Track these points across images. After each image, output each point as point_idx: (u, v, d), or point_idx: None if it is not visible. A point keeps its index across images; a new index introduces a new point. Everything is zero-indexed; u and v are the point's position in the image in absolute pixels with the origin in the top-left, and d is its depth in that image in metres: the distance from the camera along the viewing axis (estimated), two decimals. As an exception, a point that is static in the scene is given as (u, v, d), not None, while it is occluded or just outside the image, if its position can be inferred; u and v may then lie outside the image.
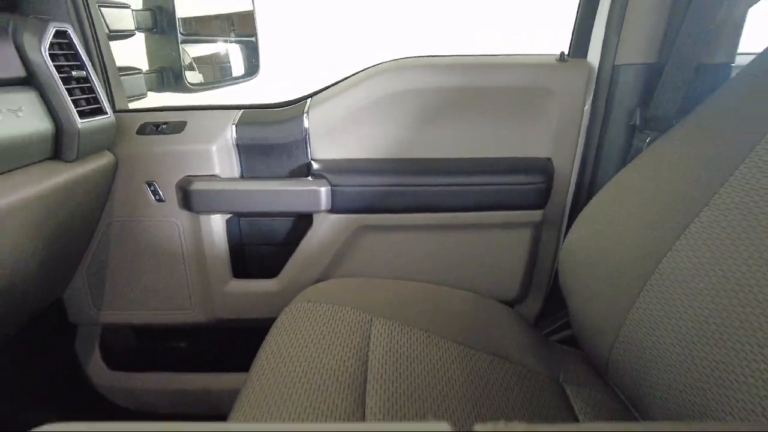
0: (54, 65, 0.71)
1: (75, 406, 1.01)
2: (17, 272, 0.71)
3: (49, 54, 0.71)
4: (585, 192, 0.90)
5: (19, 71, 0.69)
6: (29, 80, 0.70)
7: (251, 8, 1.24)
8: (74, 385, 1.02)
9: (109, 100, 0.86)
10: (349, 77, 0.92)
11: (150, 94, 1.08)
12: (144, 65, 1.13)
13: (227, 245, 0.93)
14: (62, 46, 0.75)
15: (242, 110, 0.92)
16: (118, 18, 0.98)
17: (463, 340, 0.72)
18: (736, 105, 0.57)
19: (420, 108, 0.86)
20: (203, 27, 1.24)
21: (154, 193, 0.88)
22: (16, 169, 0.68)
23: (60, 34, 0.74)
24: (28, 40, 0.69)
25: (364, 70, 0.90)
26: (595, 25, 0.85)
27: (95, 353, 1.01)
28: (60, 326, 0.99)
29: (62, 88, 0.72)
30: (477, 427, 0.19)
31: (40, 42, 0.70)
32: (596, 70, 0.84)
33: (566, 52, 0.89)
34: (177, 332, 1.05)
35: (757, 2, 0.78)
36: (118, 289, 0.95)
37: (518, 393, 0.65)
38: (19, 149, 0.67)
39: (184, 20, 1.12)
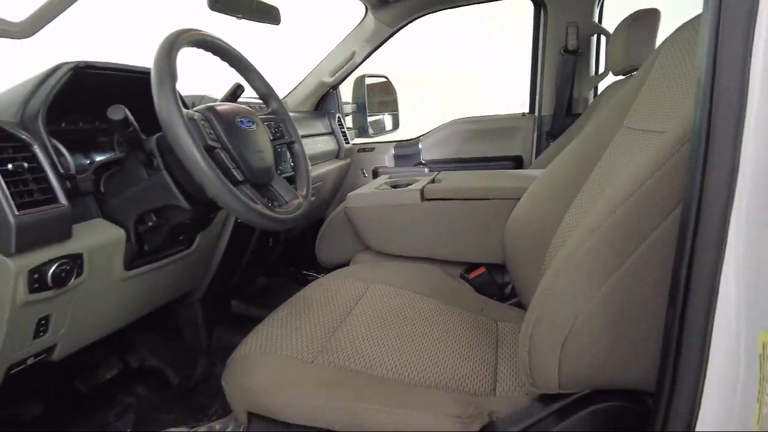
0: (338, 127, 2.18)
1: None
2: (314, 213, 2.14)
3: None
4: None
5: (329, 129, 2.16)
6: (332, 133, 2.17)
7: (394, 90, 2.67)
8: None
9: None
10: (437, 128, 2.28)
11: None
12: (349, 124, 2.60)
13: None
14: (337, 121, 2.22)
15: (396, 142, 2.33)
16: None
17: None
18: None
19: (460, 136, 2.20)
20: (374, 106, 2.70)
21: (363, 174, 2.30)
22: (326, 161, 2.13)
23: (338, 117, 2.22)
24: (331, 119, 2.17)
25: (440, 126, 2.27)
26: (536, 93, 2.12)
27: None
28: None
29: (341, 135, 2.18)
30: None
31: (334, 119, 2.17)
32: (537, 118, 2.11)
33: (527, 111, 2.17)
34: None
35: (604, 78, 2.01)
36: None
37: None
38: (328, 154, 2.12)
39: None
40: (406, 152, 2.28)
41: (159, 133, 0.90)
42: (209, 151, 0.83)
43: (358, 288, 1.06)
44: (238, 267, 1.45)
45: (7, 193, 0.71)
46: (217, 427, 1.20)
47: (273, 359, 0.80)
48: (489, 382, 0.79)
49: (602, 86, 1.98)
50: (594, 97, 2.06)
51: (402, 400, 0.70)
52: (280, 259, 1.88)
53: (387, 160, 2.29)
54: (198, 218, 0.98)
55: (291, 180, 1.10)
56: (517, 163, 2.16)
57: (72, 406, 1.19)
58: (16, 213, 0.72)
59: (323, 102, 2.26)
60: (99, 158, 1.00)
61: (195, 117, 0.85)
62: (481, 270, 1.18)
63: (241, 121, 0.94)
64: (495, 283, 1.18)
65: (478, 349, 0.86)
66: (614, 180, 0.81)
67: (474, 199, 1.19)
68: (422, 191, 1.23)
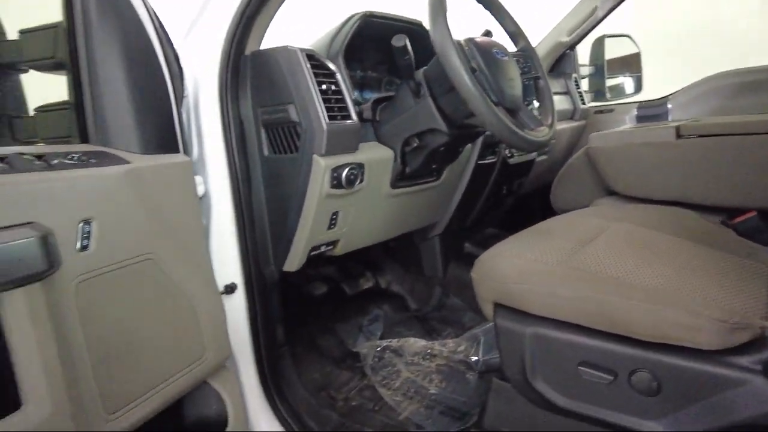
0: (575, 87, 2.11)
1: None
2: (545, 175, 2.11)
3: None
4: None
5: (564, 89, 2.11)
6: (567, 93, 2.11)
7: (638, 50, 2.45)
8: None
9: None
10: (692, 84, 2.03)
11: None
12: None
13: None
14: (574, 81, 2.14)
15: (638, 102, 2.15)
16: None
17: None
18: None
19: (724, 91, 1.90)
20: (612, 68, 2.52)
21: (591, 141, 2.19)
22: (560, 120, 2.07)
23: (574, 78, 2.14)
24: (567, 80, 2.11)
25: (696, 81, 2.00)
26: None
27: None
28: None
29: (577, 95, 2.11)
30: None
31: (571, 79, 2.11)
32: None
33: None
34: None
35: None
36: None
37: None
38: (563, 114, 2.06)
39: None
40: (652, 113, 2.09)
41: (425, 67, 1.05)
42: (472, 72, 0.93)
43: (600, 225, 1.04)
44: (474, 209, 1.55)
45: (323, 105, 0.93)
46: (451, 344, 1.34)
47: (520, 259, 0.86)
48: (761, 310, 0.71)
49: None
50: None
51: (655, 298, 0.69)
52: (510, 214, 1.94)
53: (628, 121, 2.14)
54: (453, 143, 1.10)
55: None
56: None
57: (339, 303, 1.46)
58: (327, 122, 0.93)
59: (559, 63, 2.22)
60: (368, 96, 1.20)
61: (461, 43, 0.97)
62: (751, 214, 1.04)
63: (496, 52, 1.02)
64: (768, 230, 1.03)
65: (745, 287, 0.77)
66: None
67: (742, 134, 1.04)
68: (678, 128, 1.14)
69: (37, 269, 0.59)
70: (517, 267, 0.84)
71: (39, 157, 0.67)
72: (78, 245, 0.66)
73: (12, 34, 0.91)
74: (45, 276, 0.60)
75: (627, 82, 2.55)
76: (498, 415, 0.92)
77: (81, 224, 0.66)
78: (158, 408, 0.77)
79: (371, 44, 1.23)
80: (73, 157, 0.71)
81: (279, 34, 1.08)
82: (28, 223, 0.60)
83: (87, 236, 0.67)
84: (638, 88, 2.49)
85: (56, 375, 0.61)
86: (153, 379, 0.76)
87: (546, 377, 0.81)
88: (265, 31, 1.02)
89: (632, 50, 2.42)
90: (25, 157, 0.66)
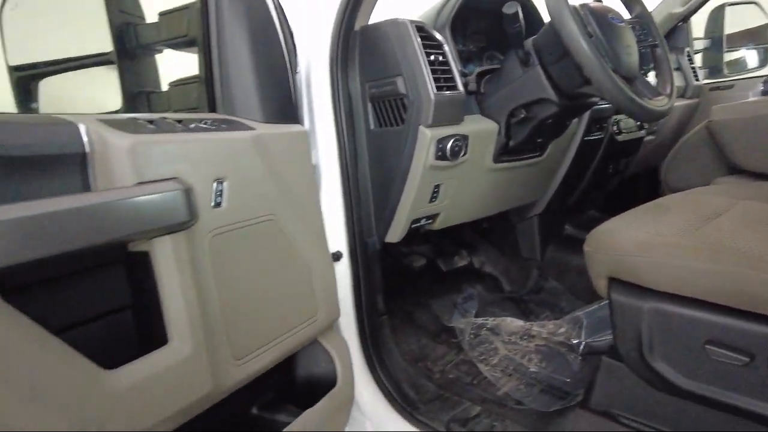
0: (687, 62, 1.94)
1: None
2: (652, 157, 1.96)
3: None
4: None
5: (676, 64, 1.95)
6: (679, 68, 1.95)
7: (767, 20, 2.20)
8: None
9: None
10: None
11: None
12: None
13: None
14: (686, 55, 1.97)
15: (765, 76, 1.93)
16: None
17: None
18: None
19: None
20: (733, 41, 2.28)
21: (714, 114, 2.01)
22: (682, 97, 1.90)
23: (686, 52, 1.97)
24: (678, 55, 1.94)
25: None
26: None
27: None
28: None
29: (690, 71, 1.93)
30: None
31: (683, 54, 1.94)
32: None
33: None
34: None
35: None
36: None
37: None
38: (676, 90, 1.91)
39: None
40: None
41: (533, 36, 1.02)
42: (588, 37, 0.89)
43: (725, 202, 0.96)
44: (577, 187, 1.49)
45: (431, 76, 0.93)
46: (550, 326, 1.30)
47: (638, 231, 0.82)
48: None
49: None
50: None
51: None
52: (613, 198, 1.84)
53: (751, 98, 1.94)
54: (561, 115, 1.06)
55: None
56: None
57: (435, 278, 1.47)
58: (435, 92, 0.93)
59: (670, 36, 2.06)
60: (471, 68, 1.19)
61: (576, 8, 0.93)
62: None
63: (612, 18, 0.97)
64: None
65: None
66: None
67: None
68: (825, 96, 1.01)
69: (181, 219, 0.65)
70: (636, 239, 0.79)
71: (179, 121, 0.74)
72: (212, 202, 0.72)
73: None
74: (187, 227, 0.66)
75: (750, 56, 2.32)
76: (607, 394, 0.88)
77: (215, 183, 0.72)
78: (276, 359, 0.82)
79: (473, 17, 1.21)
80: (207, 122, 0.77)
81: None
82: (173, 178, 0.67)
83: (220, 194, 0.73)
84: (764, 61, 2.26)
85: (196, 317, 0.68)
86: (273, 331, 0.82)
87: (666, 356, 0.76)
88: (373, 7, 1.04)
89: (759, 20, 2.20)
90: (167, 121, 0.72)
